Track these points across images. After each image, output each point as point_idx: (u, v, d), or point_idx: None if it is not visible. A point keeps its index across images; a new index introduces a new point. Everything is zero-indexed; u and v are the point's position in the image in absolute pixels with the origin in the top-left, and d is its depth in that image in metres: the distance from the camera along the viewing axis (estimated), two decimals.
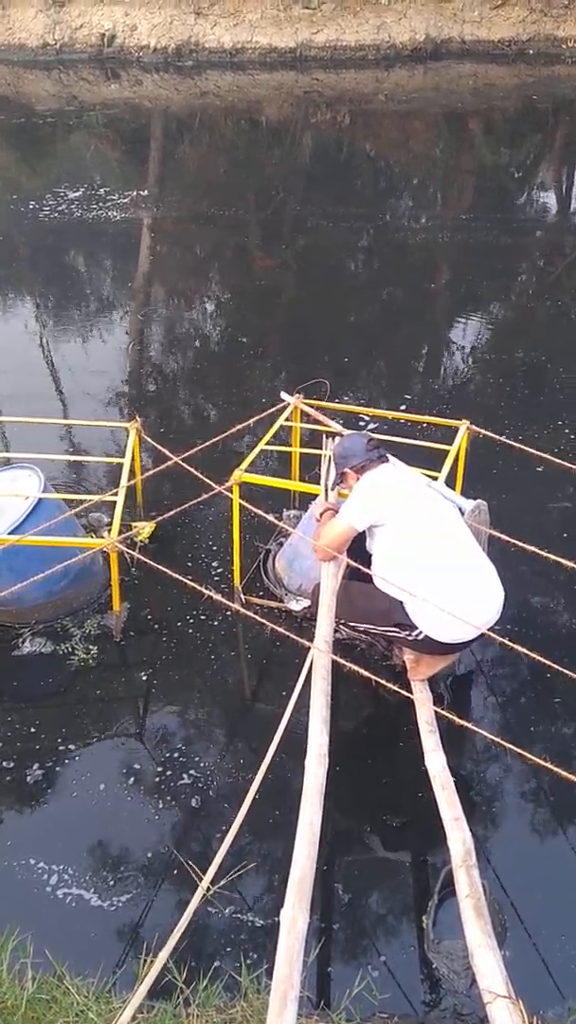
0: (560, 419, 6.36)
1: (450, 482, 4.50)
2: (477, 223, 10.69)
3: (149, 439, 4.85)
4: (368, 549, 3.83)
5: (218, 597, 3.74)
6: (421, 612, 3.57)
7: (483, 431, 4.80)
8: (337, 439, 4.60)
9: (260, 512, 4.35)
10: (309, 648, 3.49)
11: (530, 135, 15.19)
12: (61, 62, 17.70)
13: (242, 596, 4.58)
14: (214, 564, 4.92)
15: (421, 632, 3.61)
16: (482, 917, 2.52)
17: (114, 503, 4.45)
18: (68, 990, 2.67)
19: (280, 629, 3.76)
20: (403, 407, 6.36)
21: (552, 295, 8.89)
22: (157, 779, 3.76)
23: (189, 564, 4.86)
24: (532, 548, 3.84)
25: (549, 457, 4.71)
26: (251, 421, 4.93)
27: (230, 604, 3.97)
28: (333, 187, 12.17)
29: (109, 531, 4.49)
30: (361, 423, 5.72)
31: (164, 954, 2.22)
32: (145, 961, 2.73)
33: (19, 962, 2.78)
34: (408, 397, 6.76)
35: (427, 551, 3.63)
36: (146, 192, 11.43)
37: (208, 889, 2.45)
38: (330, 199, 11.42)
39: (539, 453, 4.75)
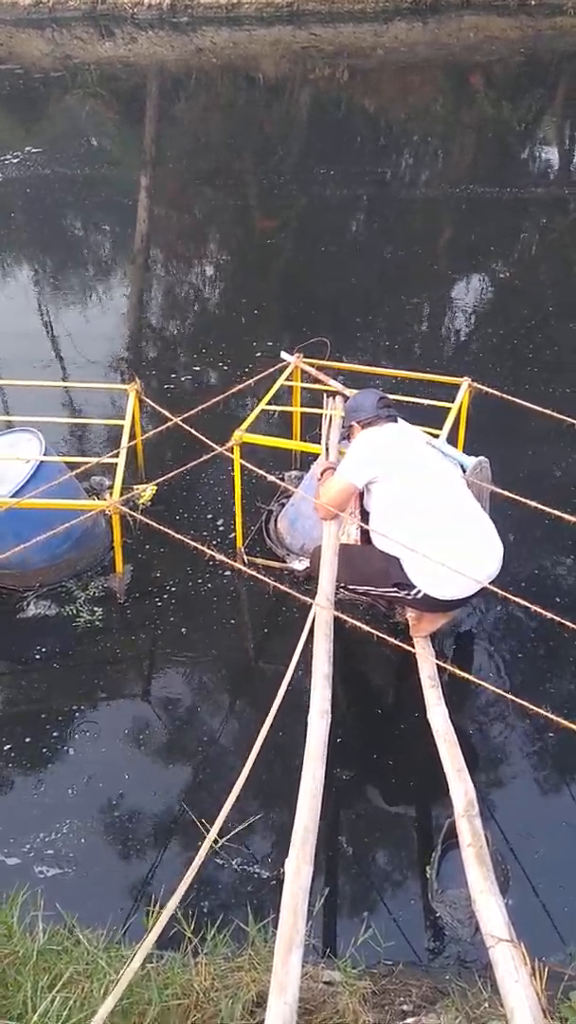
0: (561, 376, 6.32)
1: (452, 439, 4.48)
2: (478, 180, 10.53)
3: (149, 401, 4.83)
4: (366, 507, 3.83)
5: (220, 556, 3.75)
6: (418, 570, 3.57)
7: (485, 387, 4.78)
8: (338, 397, 4.57)
9: (261, 472, 4.34)
10: (311, 606, 3.50)
11: (532, 90, 14.91)
12: (54, 20, 17.37)
13: (244, 556, 4.59)
14: (213, 519, 4.93)
15: (420, 591, 3.62)
16: (484, 864, 2.55)
17: (115, 466, 4.44)
18: (79, 940, 2.71)
19: (282, 587, 3.78)
20: (405, 365, 6.32)
21: (554, 253, 8.79)
22: (163, 738, 3.80)
23: (191, 526, 4.86)
24: (534, 504, 3.83)
25: (550, 412, 4.68)
26: (251, 381, 4.90)
27: (232, 563, 3.97)
28: (332, 145, 11.99)
29: (111, 493, 4.48)
30: (375, 383, 5.68)
31: (173, 903, 2.24)
32: (153, 913, 2.77)
33: (30, 915, 2.82)
34: (410, 355, 6.71)
35: (423, 507, 3.62)
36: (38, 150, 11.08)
37: (216, 842, 2.48)
38: (330, 157, 11.25)
39: (540, 409, 4.71)
